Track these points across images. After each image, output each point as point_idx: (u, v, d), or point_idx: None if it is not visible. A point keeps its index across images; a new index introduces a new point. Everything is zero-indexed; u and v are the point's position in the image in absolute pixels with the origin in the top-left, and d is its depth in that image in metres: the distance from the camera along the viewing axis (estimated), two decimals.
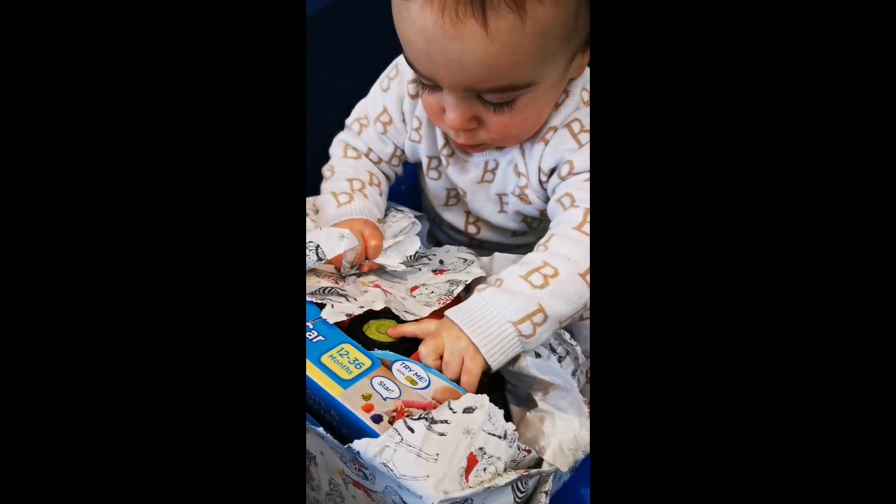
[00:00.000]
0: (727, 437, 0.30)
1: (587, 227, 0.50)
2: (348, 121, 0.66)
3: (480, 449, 0.41)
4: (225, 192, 0.32)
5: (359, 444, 0.40)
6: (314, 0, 0.78)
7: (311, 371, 0.44)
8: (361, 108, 0.65)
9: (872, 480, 0.29)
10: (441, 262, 0.60)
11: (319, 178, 0.66)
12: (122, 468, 0.30)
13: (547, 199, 0.57)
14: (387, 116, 0.62)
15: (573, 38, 0.48)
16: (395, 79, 0.61)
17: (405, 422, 0.41)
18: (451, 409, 0.42)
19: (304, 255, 0.51)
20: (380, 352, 0.47)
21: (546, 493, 0.44)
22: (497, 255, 0.59)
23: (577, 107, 0.54)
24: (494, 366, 0.46)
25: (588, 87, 0.55)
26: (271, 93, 0.33)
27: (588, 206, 0.51)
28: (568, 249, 0.49)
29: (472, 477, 0.40)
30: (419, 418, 0.41)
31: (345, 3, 0.82)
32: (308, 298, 0.51)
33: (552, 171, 0.56)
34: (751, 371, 0.30)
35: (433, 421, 0.41)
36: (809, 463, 0.30)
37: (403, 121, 0.62)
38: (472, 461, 0.41)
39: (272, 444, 0.32)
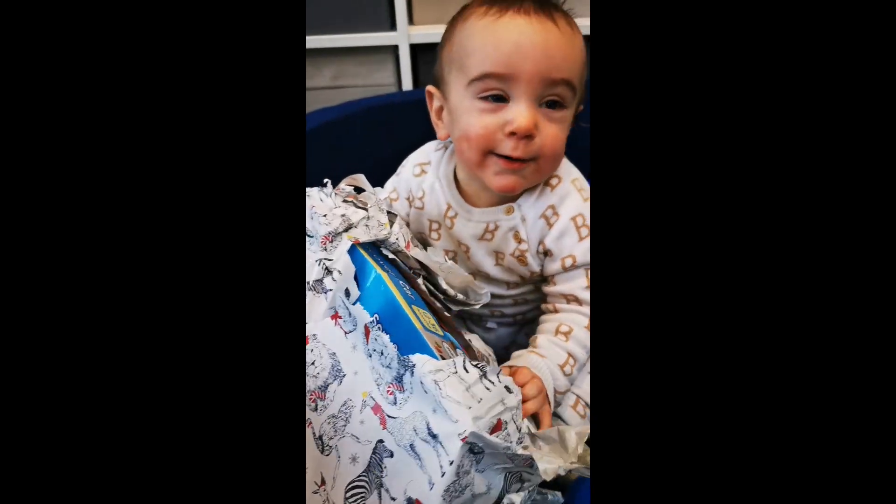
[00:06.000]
0: (725, 451, 0.32)
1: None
2: None
3: (504, 422, 0.45)
4: (225, 184, 0.34)
5: (418, 359, 0.44)
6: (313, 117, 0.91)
7: (401, 301, 0.49)
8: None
9: (873, 488, 0.30)
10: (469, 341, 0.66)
11: None
12: (121, 460, 0.31)
13: (542, 265, 0.68)
14: (395, 194, 0.74)
15: (580, 86, 0.62)
16: (402, 173, 0.74)
17: (464, 361, 0.45)
18: (497, 376, 0.46)
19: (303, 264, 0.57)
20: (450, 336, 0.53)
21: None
22: None
23: (570, 196, 0.65)
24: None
25: (578, 179, 0.66)
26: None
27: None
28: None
29: (493, 437, 0.44)
30: (476, 366, 0.45)
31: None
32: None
33: (551, 252, 0.66)
34: (748, 387, 0.32)
35: (484, 375, 0.45)
36: (806, 471, 0.31)
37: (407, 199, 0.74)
38: (498, 425, 0.44)
39: (271, 437, 0.33)
